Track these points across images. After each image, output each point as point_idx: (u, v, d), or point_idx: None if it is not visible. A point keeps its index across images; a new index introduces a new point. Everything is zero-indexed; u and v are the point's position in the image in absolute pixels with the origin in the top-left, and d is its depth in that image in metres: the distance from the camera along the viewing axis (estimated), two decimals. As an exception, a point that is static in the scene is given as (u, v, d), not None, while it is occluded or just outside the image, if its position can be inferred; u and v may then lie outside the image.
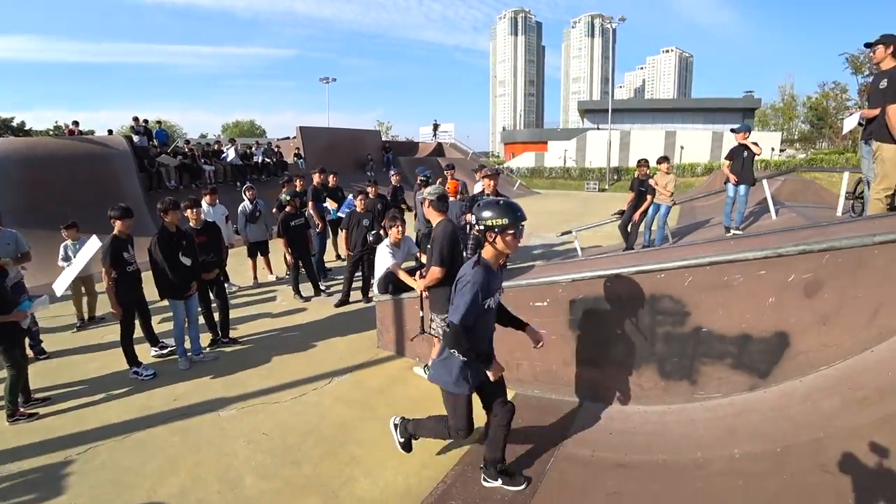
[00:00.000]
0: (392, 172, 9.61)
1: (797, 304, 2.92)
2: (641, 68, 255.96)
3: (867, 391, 2.68)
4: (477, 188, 7.05)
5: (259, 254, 7.85)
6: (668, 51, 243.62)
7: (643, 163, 8.37)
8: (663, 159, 8.43)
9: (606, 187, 32.14)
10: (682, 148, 39.01)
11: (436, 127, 31.03)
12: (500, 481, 2.76)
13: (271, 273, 8.18)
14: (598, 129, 43.91)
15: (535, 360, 3.81)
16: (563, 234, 8.84)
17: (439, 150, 28.55)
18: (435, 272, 3.64)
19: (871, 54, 4.77)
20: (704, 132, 42.49)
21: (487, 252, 2.43)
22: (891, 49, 4.56)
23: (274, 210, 7.88)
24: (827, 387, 2.88)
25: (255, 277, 7.91)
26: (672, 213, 8.88)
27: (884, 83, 4.59)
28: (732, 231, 7.28)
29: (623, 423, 3.25)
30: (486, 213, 2.32)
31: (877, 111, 4.54)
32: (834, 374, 2.90)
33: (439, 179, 8.26)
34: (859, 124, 5.08)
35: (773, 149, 37.51)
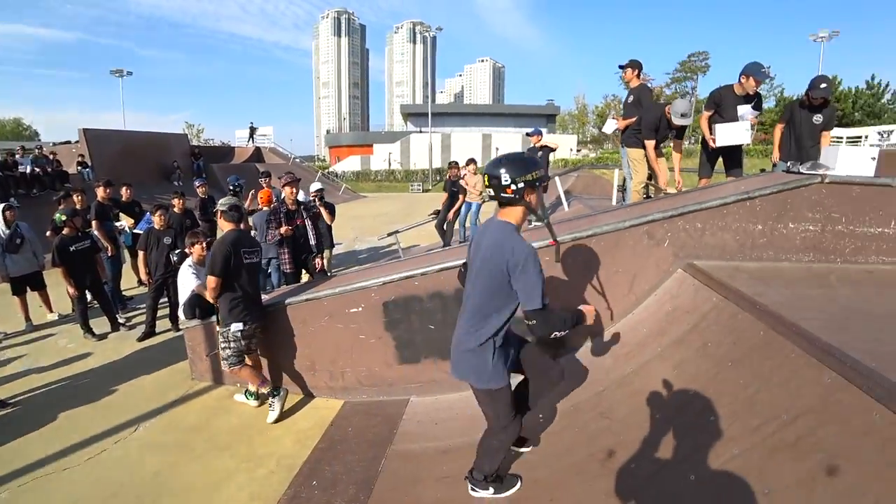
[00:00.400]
0: (197, 183, 8.64)
1: (574, 284, 3.44)
2: (460, 75, 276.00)
3: (630, 347, 3.28)
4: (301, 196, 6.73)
5: (30, 289, 6.30)
6: (483, 60, 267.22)
7: (453, 165, 9.03)
8: (471, 161, 9.14)
9: (430, 188, 33.87)
10: (497, 149, 43.39)
11: (252, 131, 28.70)
12: (491, 490, 2.49)
13: (51, 311, 6.64)
14: (421, 132, 46.27)
15: (358, 366, 3.82)
16: (387, 235, 9.04)
17: (258, 155, 26.92)
18: (210, 282, 3.50)
19: (623, 75, 6.02)
20: (516, 135, 47.88)
21: (515, 215, 2.11)
22: (636, 71, 5.86)
23: (48, 233, 6.36)
24: (604, 347, 3.46)
25: (28, 319, 6.30)
26: (486, 208, 9.74)
27: (631, 98, 5.88)
28: (533, 223, 8.30)
29: (447, 411, 3.44)
30: (519, 170, 2.00)
31: (629, 121, 5.70)
32: (609, 337, 3.50)
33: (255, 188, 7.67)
34: (618, 130, 6.21)
35: (570, 149, 44.45)
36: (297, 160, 31.99)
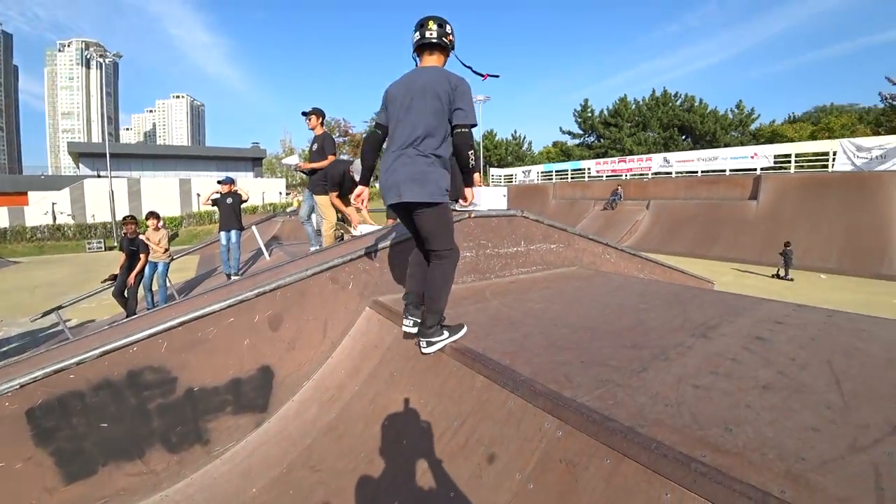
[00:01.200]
0: None
1: (268, 339, 3.23)
2: (151, 111, 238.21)
3: (332, 391, 3.25)
4: None
5: None
6: (179, 96, 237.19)
7: (129, 220, 7.60)
8: (151, 215, 7.90)
9: (114, 244, 28.02)
10: (198, 195, 38.82)
11: None
12: (446, 333, 2.69)
13: None
14: (99, 175, 37.56)
15: None
16: (42, 315, 6.75)
17: None
18: None
19: (308, 122, 6.16)
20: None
21: (441, 61, 2.74)
22: (320, 119, 6.12)
23: None
24: (308, 398, 3.33)
25: None
26: (189, 263, 8.54)
27: (315, 145, 6.08)
28: (232, 277, 7.71)
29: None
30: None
31: (314, 164, 5.86)
32: (312, 386, 3.39)
33: None
34: (297, 168, 6.34)
35: (280, 193, 43.43)
36: None
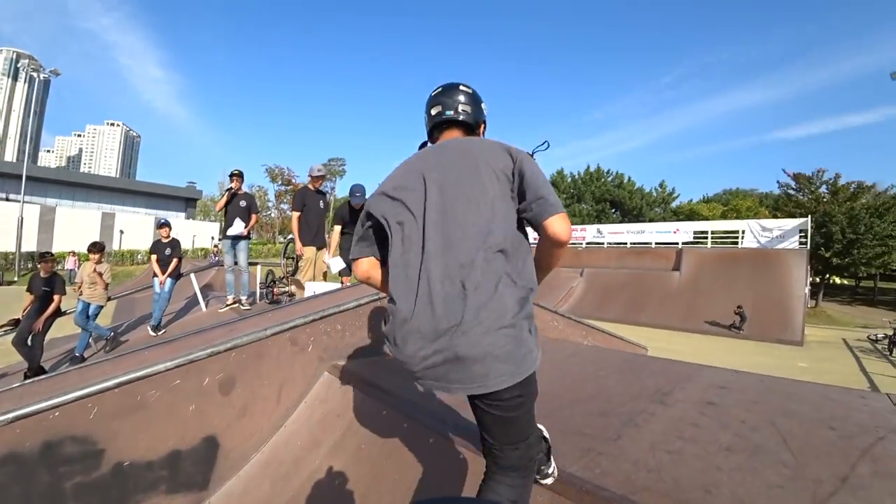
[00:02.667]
0: None
1: (217, 404, 2.96)
2: (80, 135, 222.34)
3: (287, 465, 2.99)
4: None
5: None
6: (114, 124, 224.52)
7: (49, 258, 6.76)
8: (95, 247, 7.04)
9: (15, 278, 25.08)
10: (121, 232, 36.41)
11: None
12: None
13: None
14: (8, 199, 34.06)
15: None
16: None
17: None
18: None
19: (233, 183, 6.68)
20: (147, 217, 41.53)
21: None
22: (242, 181, 6.70)
23: None
24: (258, 473, 3.03)
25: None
26: (108, 309, 7.77)
27: (243, 203, 6.55)
28: (150, 331, 7.17)
29: None
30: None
31: (252, 224, 6.20)
32: (262, 459, 3.10)
33: None
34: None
35: (212, 237, 41.50)
36: None
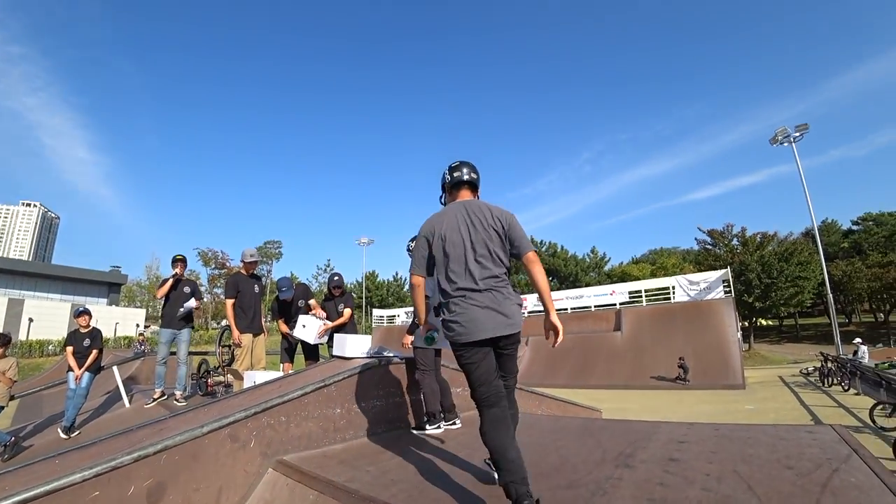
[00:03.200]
0: None
1: (143, 520, 2.56)
2: None
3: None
4: None
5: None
6: (30, 204, 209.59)
7: None
8: (1, 338, 6.39)
9: None
10: (31, 320, 32.85)
11: None
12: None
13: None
14: None
15: None
16: None
17: None
18: None
19: (177, 268, 6.38)
20: (62, 304, 38.01)
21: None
22: (185, 266, 6.48)
23: None
24: None
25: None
26: (6, 410, 6.72)
27: (187, 289, 6.44)
28: (62, 433, 6.33)
29: None
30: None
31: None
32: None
33: None
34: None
35: (137, 325, 38.47)
36: None
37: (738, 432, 3.49)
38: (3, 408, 6.32)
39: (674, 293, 22.66)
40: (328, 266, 58.10)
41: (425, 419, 3.87)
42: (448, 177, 2.76)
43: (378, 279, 56.56)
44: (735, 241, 37.46)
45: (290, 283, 6.02)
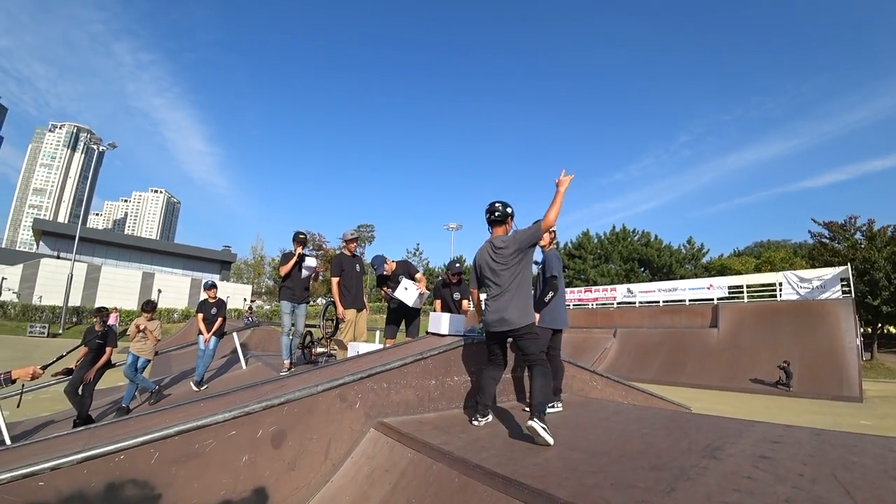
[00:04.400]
0: None
1: (268, 456, 3.05)
2: (126, 200, 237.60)
3: (333, 522, 3.01)
4: None
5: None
6: (157, 191, 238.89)
7: (105, 312, 7.27)
8: (149, 304, 7.62)
9: (60, 331, 25.95)
10: (159, 291, 37.68)
11: None
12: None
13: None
14: (59, 257, 36.24)
15: None
16: None
17: None
18: None
19: (297, 248, 6.62)
20: (184, 278, 42.94)
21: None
22: (305, 245, 6.76)
23: None
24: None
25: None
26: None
27: (305, 272, 6.60)
28: (193, 386, 7.39)
29: None
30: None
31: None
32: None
33: None
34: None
35: (245, 299, 42.45)
36: None
37: (843, 439, 3.29)
38: (149, 361, 7.53)
39: (781, 290, 20.62)
40: (417, 249, 59.14)
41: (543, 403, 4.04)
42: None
43: (466, 263, 57.45)
44: (859, 235, 32.74)
45: (383, 260, 6.25)
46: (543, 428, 2.94)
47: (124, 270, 39.47)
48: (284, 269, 6.54)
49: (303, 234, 6.74)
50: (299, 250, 6.60)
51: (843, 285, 18.96)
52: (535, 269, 4.21)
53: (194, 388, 7.31)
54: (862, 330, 20.88)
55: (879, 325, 32.20)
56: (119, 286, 36.06)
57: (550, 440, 2.93)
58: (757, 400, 14.11)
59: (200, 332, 7.66)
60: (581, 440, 3.20)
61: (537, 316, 3.88)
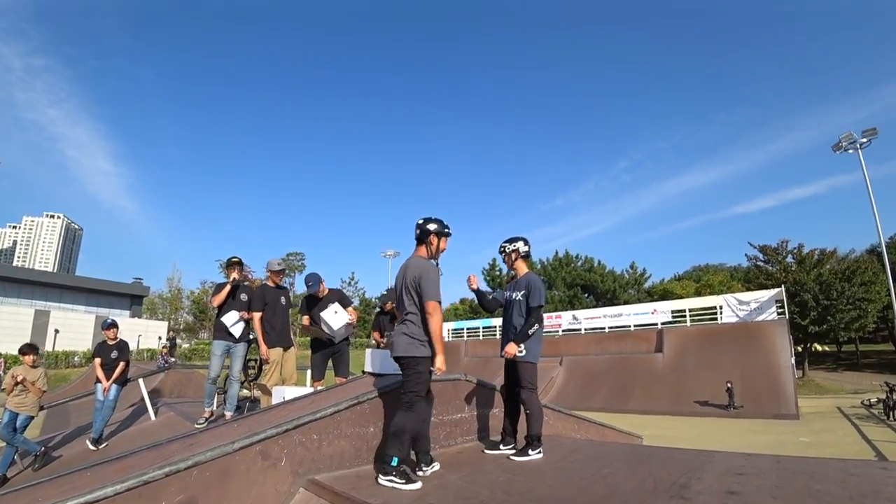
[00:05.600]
0: None
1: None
2: (14, 227, 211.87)
3: None
4: None
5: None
6: (53, 216, 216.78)
7: None
8: (29, 348, 6.40)
9: None
10: (56, 331, 33.01)
11: None
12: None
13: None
14: None
15: None
16: None
17: None
18: None
19: (232, 273, 5.94)
20: (87, 315, 38.30)
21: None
22: (242, 270, 6.13)
23: None
24: None
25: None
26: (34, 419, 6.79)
27: (244, 296, 5.92)
28: (90, 445, 6.47)
29: None
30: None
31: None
32: None
33: None
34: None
35: (160, 337, 38.02)
36: None
37: (802, 465, 3.27)
38: (32, 417, 6.42)
39: (721, 313, 21.52)
40: (353, 279, 57.17)
41: (530, 443, 3.61)
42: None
43: (402, 291, 56.21)
44: (790, 259, 35.16)
45: (319, 279, 5.56)
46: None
47: (12, 308, 34.37)
48: (216, 300, 5.77)
49: (237, 258, 5.97)
50: (234, 275, 5.86)
51: (777, 307, 20.01)
52: (512, 294, 3.92)
53: (91, 447, 6.30)
54: (794, 349, 22.03)
55: (809, 343, 34.31)
56: (6, 326, 31.31)
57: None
58: (704, 423, 14.40)
59: (98, 381, 6.60)
60: (540, 487, 2.88)
61: (523, 348, 3.62)
